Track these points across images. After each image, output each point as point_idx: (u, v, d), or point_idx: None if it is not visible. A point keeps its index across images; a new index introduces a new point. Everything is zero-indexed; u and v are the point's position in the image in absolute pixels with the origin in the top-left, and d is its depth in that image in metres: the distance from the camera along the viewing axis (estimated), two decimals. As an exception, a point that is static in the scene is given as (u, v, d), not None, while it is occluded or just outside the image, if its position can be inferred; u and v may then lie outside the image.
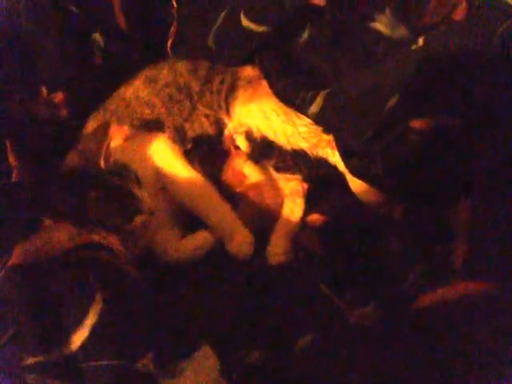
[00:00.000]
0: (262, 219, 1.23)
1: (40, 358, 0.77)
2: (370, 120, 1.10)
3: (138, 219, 1.07)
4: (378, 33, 1.13)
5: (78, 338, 0.78)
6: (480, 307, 0.84)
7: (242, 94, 1.25)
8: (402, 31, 1.11)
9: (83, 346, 0.78)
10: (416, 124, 1.07)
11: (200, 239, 1.16)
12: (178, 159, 1.21)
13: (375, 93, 1.08)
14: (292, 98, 1.17)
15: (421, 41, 1.06)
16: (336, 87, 1.13)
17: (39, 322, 0.80)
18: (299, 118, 1.21)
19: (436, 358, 0.81)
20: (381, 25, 1.12)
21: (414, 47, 1.07)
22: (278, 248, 1.18)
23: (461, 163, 1.04)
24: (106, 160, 1.09)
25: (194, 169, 1.20)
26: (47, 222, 0.96)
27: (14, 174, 1.09)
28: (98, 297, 0.81)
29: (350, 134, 1.13)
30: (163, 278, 1.03)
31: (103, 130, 1.11)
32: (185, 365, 0.79)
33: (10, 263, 0.85)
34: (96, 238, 0.94)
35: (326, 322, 0.95)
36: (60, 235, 0.92)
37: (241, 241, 1.15)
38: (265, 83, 1.25)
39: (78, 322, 0.79)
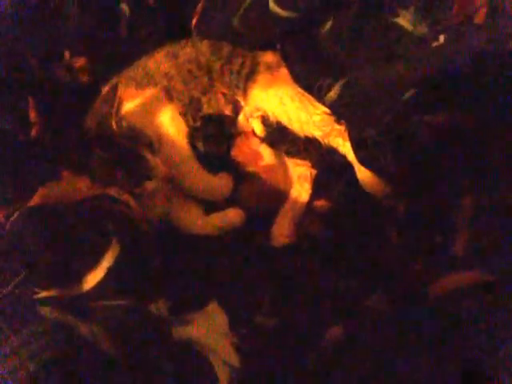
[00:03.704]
0: (270, 200, 1.29)
1: (53, 293, 0.83)
2: (385, 111, 1.17)
3: (148, 185, 1.12)
4: (400, 28, 1.21)
5: (92, 278, 0.85)
6: (479, 296, 0.92)
7: (260, 79, 1.30)
8: (424, 28, 1.19)
9: (97, 286, 0.84)
10: (429, 119, 1.14)
11: (231, 217, 1.22)
12: (178, 131, 1.26)
13: (392, 85, 1.15)
14: (310, 83, 1.24)
15: (442, 39, 1.15)
16: (354, 76, 1.20)
17: (54, 260, 0.86)
18: (314, 106, 1.27)
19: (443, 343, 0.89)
20: (404, 21, 1.20)
21: (434, 44, 1.15)
22: (281, 230, 1.25)
23: (468, 160, 1.11)
24: (119, 123, 1.15)
25: (195, 145, 1.27)
26: (65, 173, 1.03)
27: (33, 130, 1.16)
28: (115, 242, 0.88)
29: (363, 123, 1.20)
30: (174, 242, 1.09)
31: (112, 92, 1.18)
32: (196, 316, 0.86)
33: (29, 204, 0.91)
34: (112, 191, 1.00)
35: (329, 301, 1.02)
36: (78, 185, 0.99)
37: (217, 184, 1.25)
38: (284, 70, 1.31)
39: (92, 264, 0.86)
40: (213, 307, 0.88)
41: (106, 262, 0.86)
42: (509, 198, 1.04)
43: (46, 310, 0.81)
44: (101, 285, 0.84)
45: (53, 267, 0.85)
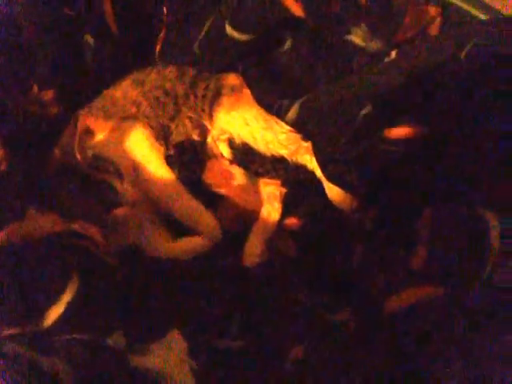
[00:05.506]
0: (241, 221, 1.33)
1: (16, 330, 0.88)
2: (344, 128, 1.20)
3: (118, 212, 1.16)
4: (354, 45, 1.25)
5: (54, 313, 0.89)
6: (432, 312, 0.96)
7: (225, 102, 1.34)
8: (376, 44, 1.23)
9: (58, 321, 0.88)
10: (388, 133, 1.18)
11: (198, 242, 1.25)
12: (154, 154, 1.29)
13: (349, 102, 1.19)
14: (270, 104, 1.29)
15: (393, 54, 1.19)
16: (312, 95, 1.24)
17: (16, 298, 0.90)
18: (279, 125, 1.31)
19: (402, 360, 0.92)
20: (356, 37, 1.24)
21: (386, 60, 1.19)
22: (253, 249, 1.29)
23: (427, 172, 1.15)
24: (83, 153, 1.20)
25: (172, 172, 1.29)
26: (31, 210, 1.07)
27: (2, 167, 1.21)
28: (75, 276, 0.92)
29: (325, 141, 1.24)
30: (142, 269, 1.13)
31: (73, 123, 1.23)
32: (154, 345, 0.90)
33: (-8, 245, 0.96)
34: (76, 227, 1.05)
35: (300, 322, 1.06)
36: (43, 223, 1.03)
37: (208, 227, 1.26)
38: (247, 91, 1.35)
39: (53, 299, 0.90)
40: (172, 335, 0.92)
41: (66, 297, 0.90)
42: (467, 210, 1.07)
43: (8, 348, 0.86)
44: (61, 320, 0.88)
45: (15, 305, 0.90)
